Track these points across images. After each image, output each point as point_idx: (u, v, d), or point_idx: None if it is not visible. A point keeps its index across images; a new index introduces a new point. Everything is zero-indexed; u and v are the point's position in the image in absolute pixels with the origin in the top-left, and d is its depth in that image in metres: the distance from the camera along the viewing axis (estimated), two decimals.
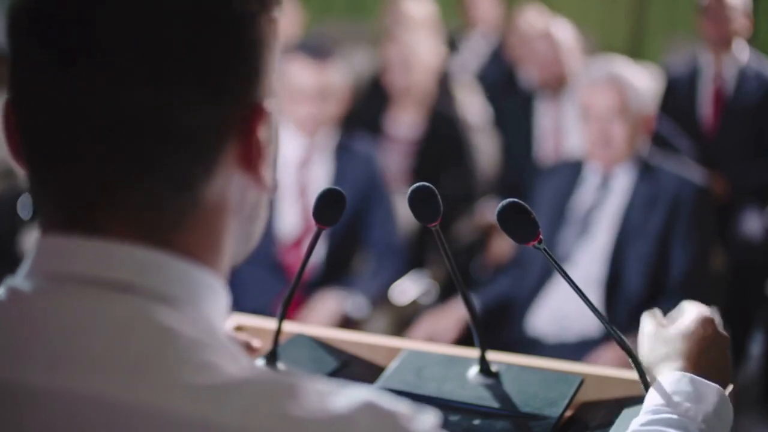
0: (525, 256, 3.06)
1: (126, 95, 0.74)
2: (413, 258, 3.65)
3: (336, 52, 3.50)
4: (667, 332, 1.23)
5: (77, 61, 0.74)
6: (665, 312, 1.31)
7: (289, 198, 3.26)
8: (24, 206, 3.56)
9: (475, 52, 5.77)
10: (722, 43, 4.23)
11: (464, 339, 2.78)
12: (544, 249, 1.22)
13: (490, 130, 4.58)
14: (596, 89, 2.97)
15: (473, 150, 4.24)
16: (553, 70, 4.19)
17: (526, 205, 1.21)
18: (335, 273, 3.24)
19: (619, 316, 2.86)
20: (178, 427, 0.69)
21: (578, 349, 2.82)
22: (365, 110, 4.29)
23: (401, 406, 0.73)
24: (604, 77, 2.98)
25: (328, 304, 3.12)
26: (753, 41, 4.57)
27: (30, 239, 3.46)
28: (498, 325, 3.03)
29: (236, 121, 0.79)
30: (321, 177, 3.30)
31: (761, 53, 4.45)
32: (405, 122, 4.21)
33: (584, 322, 2.87)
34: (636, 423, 1.13)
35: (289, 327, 1.52)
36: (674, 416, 1.11)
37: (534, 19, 5.14)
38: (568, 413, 1.32)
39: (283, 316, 1.38)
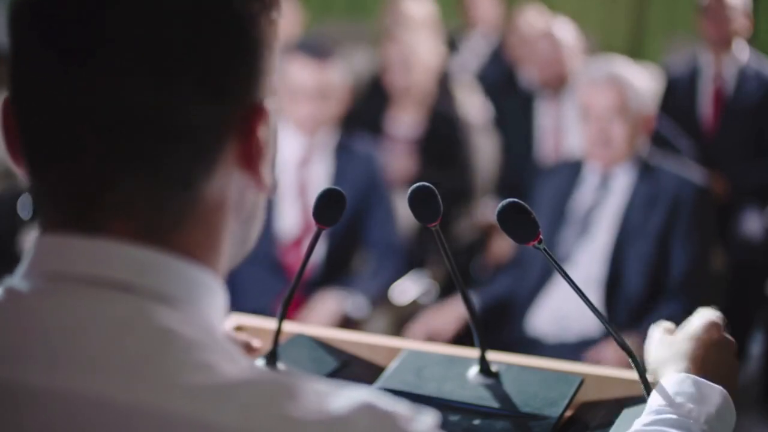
0: (525, 256, 3.06)
1: (126, 94, 0.74)
2: (413, 258, 3.65)
3: (336, 52, 3.50)
4: (673, 336, 1.24)
5: (78, 59, 0.74)
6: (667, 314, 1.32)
7: (288, 197, 3.26)
8: (24, 206, 3.56)
9: (475, 52, 5.77)
10: (722, 43, 4.23)
11: (464, 336, 2.79)
12: (544, 249, 1.22)
13: (490, 130, 4.58)
14: (596, 89, 2.97)
15: (471, 149, 4.24)
16: (554, 70, 4.19)
17: (526, 205, 1.21)
18: (335, 273, 3.24)
19: (619, 316, 2.86)
20: (177, 427, 0.69)
21: (578, 349, 2.82)
22: (365, 110, 4.29)
23: (400, 407, 0.73)
24: (603, 77, 2.98)
25: (328, 304, 3.12)
26: (753, 41, 4.58)
27: (30, 239, 3.45)
28: (498, 325, 3.03)
29: (236, 121, 0.79)
30: (321, 176, 3.30)
31: (761, 53, 4.45)
32: (405, 122, 4.21)
33: (584, 322, 2.87)
34: (639, 423, 1.14)
35: (289, 327, 1.52)
36: (677, 417, 1.11)
37: (534, 19, 5.15)
38: (568, 413, 1.32)
39: (283, 316, 1.37)
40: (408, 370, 1.40)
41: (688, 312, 2.88)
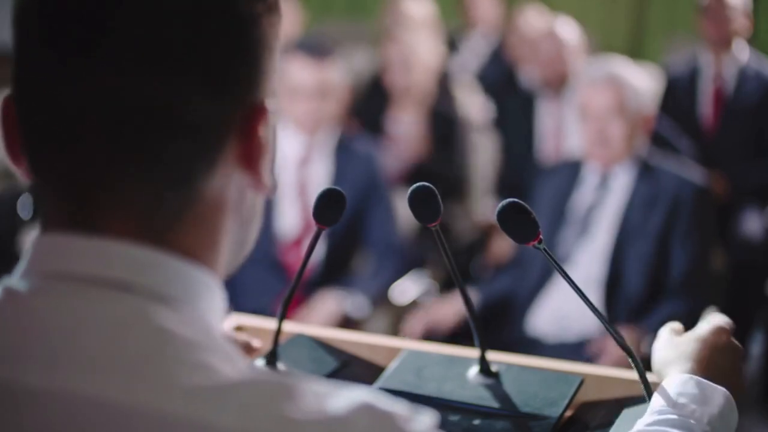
0: (525, 256, 3.06)
1: (128, 91, 0.74)
2: (413, 258, 3.65)
3: (335, 51, 3.50)
4: (680, 338, 1.25)
5: (79, 56, 0.74)
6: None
7: (288, 196, 3.25)
8: (24, 206, 3.56)
9: (475, 52, 5.77)
10: (722, 43, 4.23)
11: (463, 336, 2.79)
12: (544, 249, 1.22)
13: (490, 130, 4.59)
14: (594, 89, 2.98)
15: (469, 148, 4.24)
16: (556, 69, 4.19)
17: (526, 205, 1.21)
18: (335, 273, 3.24)
19: (619, 316, 2.86)
20: (176, 428, 0.69)
21: (578, 349, 2.82)
22: (365, 110, 4.30)
23: (399, 407, 0.73)
24: (601, 77, 2.98)
25: (328, 303, 3.12)
26: (753, 41, 4.57)
27: (30, 239, 3.45)
28: (498, 325, 3.03)
29: (237, 121, 0.79)
30: (321, 175, 3.29)
31: (761, 53, 4.45)
32: (405, 122, 4.21)
33: (584, 322, 2.87)
34: (641, 423, 1.14)
35: (289, 327, 1.52)
36: (679, 417, 1.12)
37: (534, 19, 5.15)
38: (568, 413, 1.32)
39: (283, 316, 1.37)
40: (408, 370, 1.40)
41: (689, 312, 2.88)
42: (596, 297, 2.89)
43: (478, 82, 5.14)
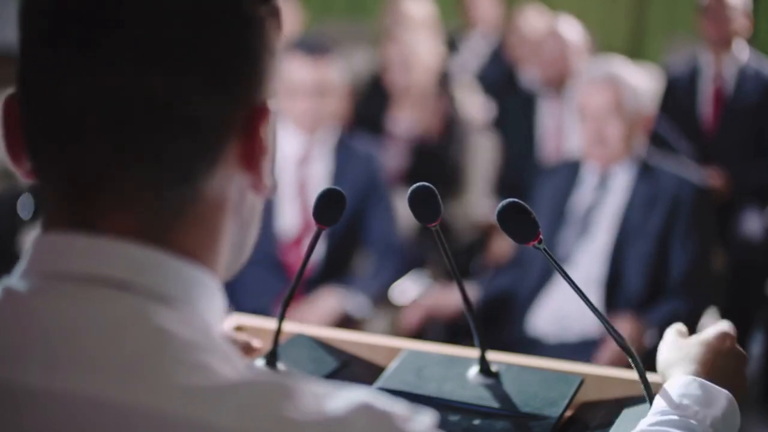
0: (525, 256, 3.06)
1: (130, 89, 0.74)
2: (413, 258, 3.65)
3: (333, 49, 3.50)
4: (685, 340, 1.26)
5: (82, 54, 0.75)
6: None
7: (288, 196, 3.25)
8: (24, 206, 3.56)
9: (475, 52, 5.77)
10: (722, 43, 4.23)
11: (463, 334, 2.79)
12: (544, 249, 1.22)
13: (491, 130, 4.59)
14: (591, 89, 2.98)
15: (468, 147, 4.24)
16: (558, 68, 4.19)
17: (526, 205, 1.21)
18: (335, 272, 3.24)
19: (619, 316, 2.86)
20: (175, 428, 0.69)
21: (578, 349, 2.82)
22: (365, 110, 4.30)
23: (398, 407, 0.73)
24: (599, 77, 2.98)
25: (329, 300, 3.12)
26: (753, 41, 4.57)
27: (30, 239, 3.45)
28: (498, 325, 3.03)
29: (239, 121, 0.79)
30: (320, 174, 3.29)
31: (761, 53, 4.45)
32: (405, 122, 4.21)
33: (584, 322, 2.87)
34: (644, 423, 1.14)
35: (289, 327, 1.52)
36: (682, 418, 1.12)
37: (535, 19, 5.14)
38: (568, 413, 1.32)
39: (283, 316, 1.37)
40: (408, 370, 1.39)
41: (689, 312, 2.88)
42: (596, 297, 2.89)
43: (478, 82, 5.13)
